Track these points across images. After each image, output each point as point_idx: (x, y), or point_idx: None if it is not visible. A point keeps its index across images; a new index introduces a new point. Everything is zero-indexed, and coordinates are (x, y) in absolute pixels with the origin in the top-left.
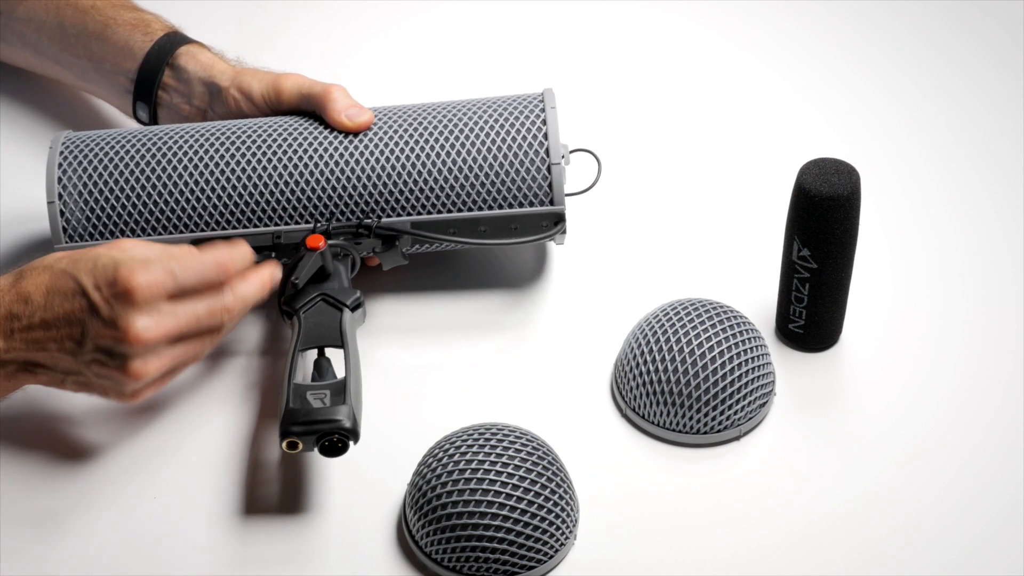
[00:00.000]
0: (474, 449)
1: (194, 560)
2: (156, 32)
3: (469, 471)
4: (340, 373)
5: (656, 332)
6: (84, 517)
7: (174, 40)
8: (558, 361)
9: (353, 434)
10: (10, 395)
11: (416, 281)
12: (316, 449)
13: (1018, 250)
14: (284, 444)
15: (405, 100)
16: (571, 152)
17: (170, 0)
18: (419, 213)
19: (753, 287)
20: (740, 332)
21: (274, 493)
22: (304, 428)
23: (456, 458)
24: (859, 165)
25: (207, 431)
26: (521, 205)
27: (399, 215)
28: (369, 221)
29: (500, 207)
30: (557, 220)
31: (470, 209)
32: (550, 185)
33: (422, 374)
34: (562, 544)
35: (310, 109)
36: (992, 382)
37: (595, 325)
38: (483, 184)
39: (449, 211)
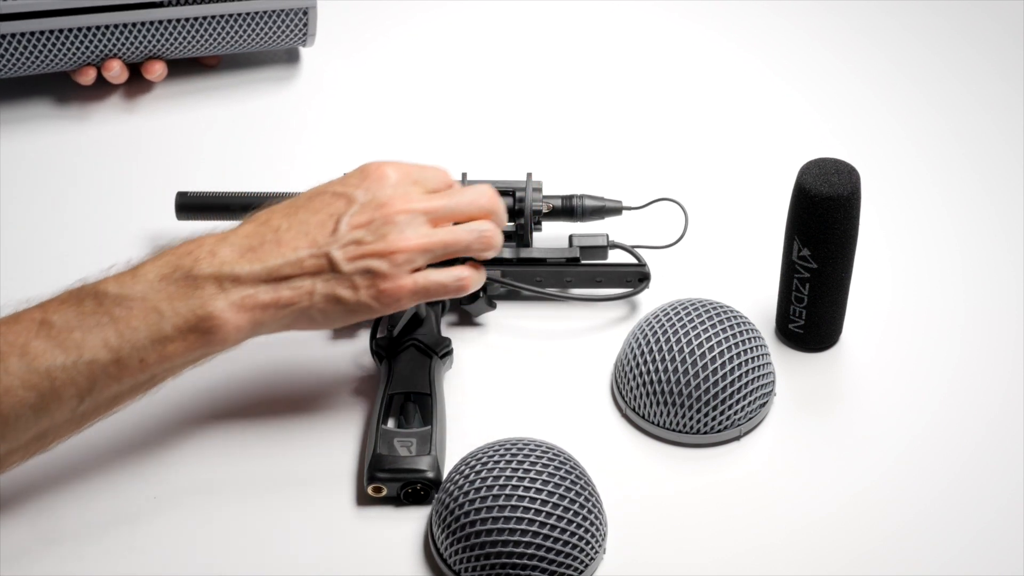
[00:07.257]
0: (500, 465)
1: (201, 570)
2: None
3: (497, 487)
4: (423, 419)
5: (656, 332)
6: (85, 517)
7: None
8: (558, 361)
9: (436, 485)
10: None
11: None
12: (400, 495)
13: (1018, 250)
14: (370, 488)
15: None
16: (654, 202)
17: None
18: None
19: (753, 287)
20: (740, 332)
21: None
22: (390, 475)
23: (483, 474)
24: (859, 165)
25: (224, 440)
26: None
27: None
28: None
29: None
30: (642, 278)
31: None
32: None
33: None
34: (592, 559)
35: None
36: (992, 382)
37: (595, 325)
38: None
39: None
